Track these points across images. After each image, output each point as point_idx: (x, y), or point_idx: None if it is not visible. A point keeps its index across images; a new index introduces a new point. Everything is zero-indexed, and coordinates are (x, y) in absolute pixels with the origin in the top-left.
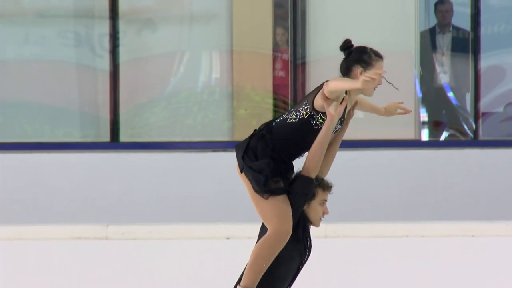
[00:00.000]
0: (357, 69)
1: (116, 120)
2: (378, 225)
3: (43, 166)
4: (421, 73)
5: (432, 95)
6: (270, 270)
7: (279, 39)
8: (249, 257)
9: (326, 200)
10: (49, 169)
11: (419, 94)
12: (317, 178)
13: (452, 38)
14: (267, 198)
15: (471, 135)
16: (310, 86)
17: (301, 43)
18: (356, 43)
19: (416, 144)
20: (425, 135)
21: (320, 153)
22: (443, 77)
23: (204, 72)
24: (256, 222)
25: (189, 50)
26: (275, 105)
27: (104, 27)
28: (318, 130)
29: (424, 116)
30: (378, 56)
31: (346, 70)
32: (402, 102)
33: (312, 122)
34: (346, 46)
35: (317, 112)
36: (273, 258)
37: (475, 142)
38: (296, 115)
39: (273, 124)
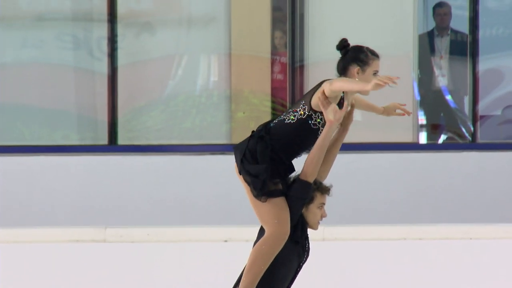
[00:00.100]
0: (354, 68)
1: (114, 123)
2: (376, 227)
3: (41, 169)
4: (420, 76)
5: (430, 98)
6: (269, 271)
7: (278, 42)
8: (247, 260)
9: (324, 204)
10: (47, 172)
11: (417, 97)
12: (315, 181)
13: (450, 41)
14: (264, 201)
15: (469, 138)
16: (308, 89)
17: (300, 46)
18: None
19: (414, 147)
20: (423, 138)
21: (319, 158)
22: (441, 80)
23: (202, 75)
24: (254, 225)
25: (187, 53)
26: (273, 108)
27: (102, 31)
28: (317, 130)
29: (422, 119)
30: (375, 55)
31: (342, 69)
32: (405, 104)
33: (310, 122)
34: (343, 45)
35: (315, 111)
36: (271, 260)
37: (473, 145)
38: (294, 116)
39: (271, 125)
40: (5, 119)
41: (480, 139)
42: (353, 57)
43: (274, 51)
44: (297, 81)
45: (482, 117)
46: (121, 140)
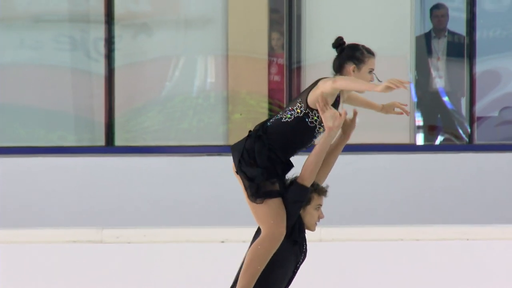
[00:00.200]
0: (350, 66)
1: (111, 124)
2: (373, 228)
3: (38, 170)
4: (417, 78)
5: (427, 100)
6: (266, 273)
7: (275, 43)
8: (243, 260)
9: (321, 205)
10: (44, 173)
11: (415, 99)
12: (312, 183)
13: (448, 42)
14: (260, 203)
15: (466, 139)
16: None
17: (297, 47)
18: None
19: (411, 148)
20: (420, 139)
21: (316, 163)
22: (439, 82)
23: (200, 77)
24: (251, 226)
25: (185, 54)
26: (270, 110)
27: (99, 32)
28: (314, 128)
29: (419, 120)
30: (370, 53)
31: (338, 67)
32: (406, 105)
33: (307, 120)
34: (339, 43)
35: (312, 110)
36: (267, 260)
37: (470, 146)
38: (291, 114)
39: (268, 124)
40: (2, 120)
41: (477, 141)
42: (349, 55)
43: (271, 52)
44: (294, 82)
45: (479, 118)
46: (118, 141)
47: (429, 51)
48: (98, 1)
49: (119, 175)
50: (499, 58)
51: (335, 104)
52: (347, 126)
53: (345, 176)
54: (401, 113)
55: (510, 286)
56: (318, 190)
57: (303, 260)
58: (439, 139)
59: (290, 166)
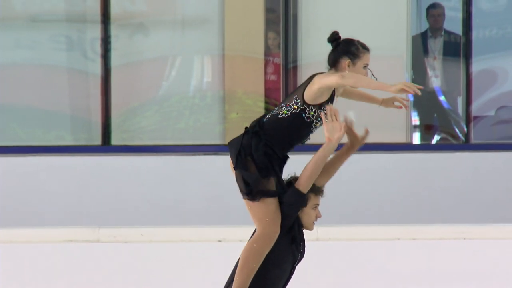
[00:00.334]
0: (345, 61)
1: (107, 124)
2: (369, 227)
3: (35, 170)
4: (413, 77)
5: (423, 99)
6: (263, 272)
7: (271, 43)
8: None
9: (318, 204)
10: (41, 173)
11: (411, 98)
12: None
13: (444, 42)
14: (257, 200)
15: (463, 138)
16: None
17: (293, 47)
18: None
19: (407, 147)
20: (416, 139)
21: (313, 172)
22: (435, 81)
23: (196, 76)
24: (248, 225)
25: (181, 54)
26: (267, 109)
27: (96, 32)
28: (310, 123)
29: (415, 120)
30: (365, 48)
31: (333, 62)
32: (408, 100)
33: (303, 115)
34: (334, 38)
35: (308, 105)
36: (262, 258)
37: (467, 145)
38: (287, 110)
39: (264, 120)
40: None
41: (473, 140)
42: (344, 50)
43: (268, 52)
44: (291, 82)
45: (475, 117)
46: (115, 141)
47: (426, 51)
48: (94, 1)
49: (116, 174)
50: (495, 58)
51: (331, 99)
52: (356, 141)
53: (342, 175)
54: (400, 107)
55: (507, 286)
56: (315, 189)
57: (300, 260)
58: (435, 139)
59: (286, 159)
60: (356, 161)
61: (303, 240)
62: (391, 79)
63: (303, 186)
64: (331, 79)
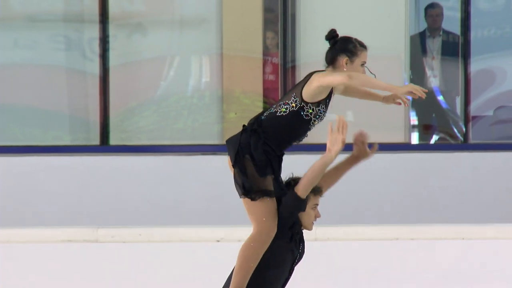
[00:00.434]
0: (343, 59)
1: (106, 124)
2: (368, 227)
3: (33, 170)
4: (411, 77)
5: (422, 99)
6: (262, 272)
7: (269, 43)
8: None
9: (317, 204)
10: (39, 172)
11: (409, 98)
12: None
13: (442, 42)
14: (256, 199)
15: (461, 138)
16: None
17: (291, 46)
18: None
19: (406, 147)
20: (415, 139)
21: (314, 179)
22: (433, 81)
23: (194, 76)
24: (247, 225)
25: (179, 54)
26: (265, 109)
27: (94, 31)
28: (309, 120)
29: (414, 120)
30: (363, 46)
31: (331, 60)
32: (409, 99)
33: (302, 113)
34: (332, 35)
35: (307, 103)
36: (259, 257)
37: (465, 145)
38: (286, 108)
39: (262, 118)
40: None
41: (472, 140)
42: (342, 47)
43: (266, 51)
44: (289, 81)
45: (474, 117)
46: (113, 141)
47: (424, 51)
48: (92, 1)
49: (114, 174)
50: (493, 57)
51: (329, 97)
52: (363, 154)
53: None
54: (400, 104)
55: (506, 286)
56: (314, 190)
57: (299, 260)
58: (434, 139)
59: (282, 156)
60: None
61: (302, 240)
62: (389, 79)
63: (302, 192)
64: (336, 78)
